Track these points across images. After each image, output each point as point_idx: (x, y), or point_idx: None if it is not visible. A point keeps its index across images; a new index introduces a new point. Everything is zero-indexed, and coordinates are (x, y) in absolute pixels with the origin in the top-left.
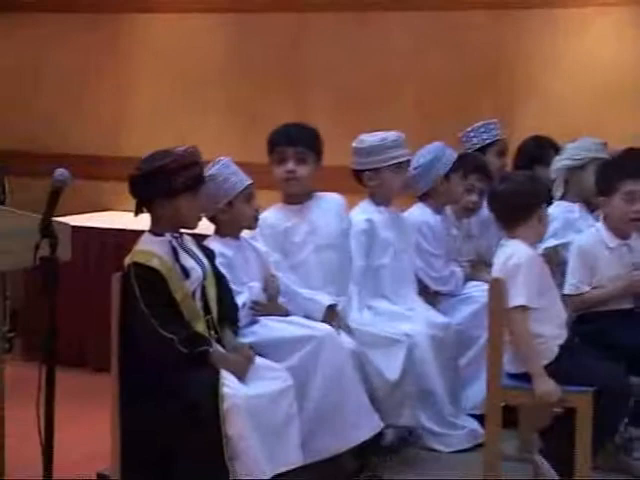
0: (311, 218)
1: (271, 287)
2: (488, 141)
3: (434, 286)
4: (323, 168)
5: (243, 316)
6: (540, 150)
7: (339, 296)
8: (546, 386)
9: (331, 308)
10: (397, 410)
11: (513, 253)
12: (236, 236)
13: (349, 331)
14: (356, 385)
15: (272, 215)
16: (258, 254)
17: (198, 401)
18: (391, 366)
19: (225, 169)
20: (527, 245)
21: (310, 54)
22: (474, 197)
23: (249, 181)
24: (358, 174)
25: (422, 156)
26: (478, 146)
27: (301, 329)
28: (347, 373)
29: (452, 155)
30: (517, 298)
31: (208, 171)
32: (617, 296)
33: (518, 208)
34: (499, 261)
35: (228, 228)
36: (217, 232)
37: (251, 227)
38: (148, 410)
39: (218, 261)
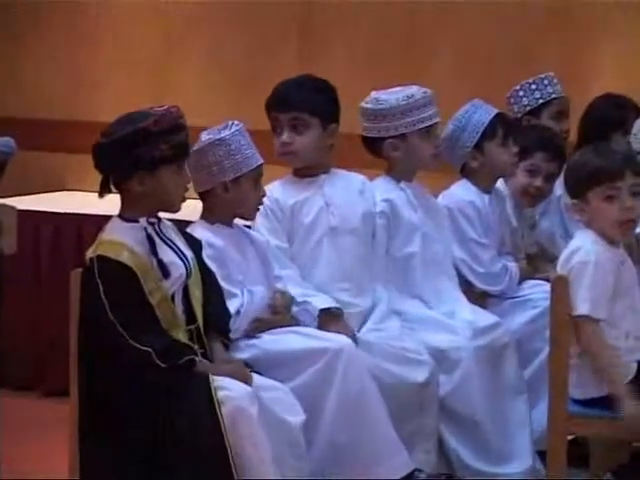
0: (326, 193)
1: (279, 305)
2: (542, 101)
3: (480, 284)
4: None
5: (236, 328)
6: (618, 112)
7: (357, 297)
8: (637, 410)
9: (329, 313)
10: (406, 449)
11: (580, 247)
12: (229, 223)
13: (355, 343)
14: (381, 412)
15: (278, 188)
16: (258, 248)
17: (188, 420)
18: None
19: (241, 137)
20: (601, 237)
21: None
22: (538, 182)
23: (261, 160)
24: (373, 143)
25: (451, 122)
26: (529, 108)
27: (311, 341)
28: (370, 397)
29: (482, 119)
30: (581, 305)
31: (219, 134)
32: None
33: (576, 187)
34: (563, 256)
35: (222, 211)
36: (204, 216)
37: (250, 217)
38: (114, 442)
39: (205, 253)
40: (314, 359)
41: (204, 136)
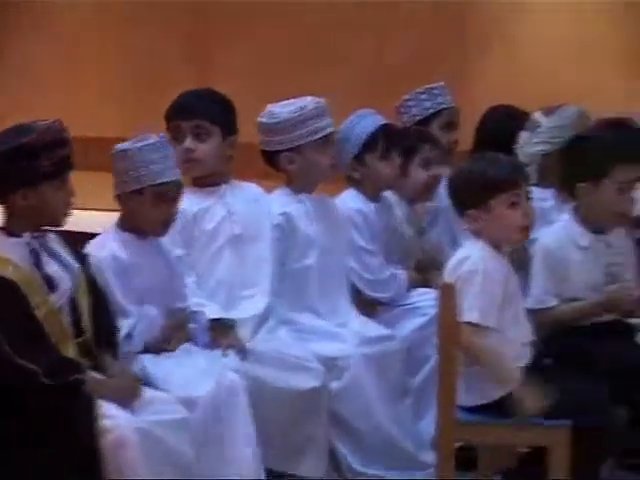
0: (229, 202)
1: (171, 325)
2: (431, 111)
3: (369, 292)
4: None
5: (129, 349)
6: (514, 123)
7: (256, 303)
8: (530, 396)
9: (221, 323)
10: (296, 456)
11: (468, 255)
12: (142, 235)
13: (243, 356)
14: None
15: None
16: (168, 262)
17: (69, 445)
18: None
19: (152, 151)
20: (490, 246)
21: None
22: (434, 170)
23: (170, 178)
24: (271, 156)
25: (339, 131)
26: (419, 118)
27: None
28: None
29: (365, 130)
30: (468, 313)
31: (127, 145)
32: (592, 314)
33: (476, 196)
34: (451, 264)
35: (135, 221)
36: (121, 224)
37: (159, 233)
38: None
39: (108, 265)
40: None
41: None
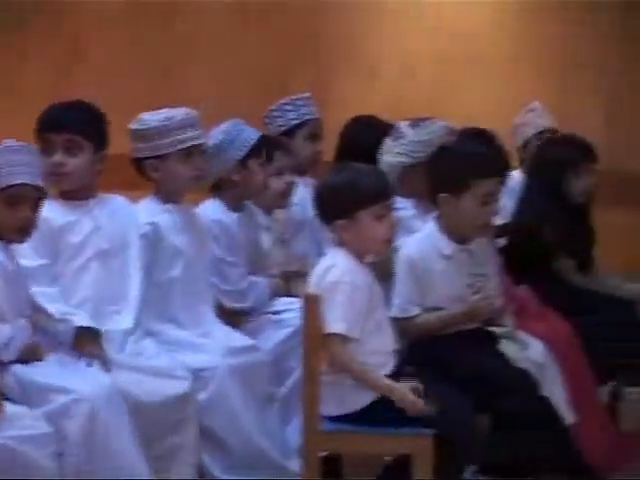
0: (96, 217)
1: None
2: (296, 122)
3: (228, 302)
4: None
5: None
6: (375, 133)
7: (122, 317)
8: (410, 398)
9: (86, 332)
10: (166, 462)
11: (332, 265)
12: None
13: (107, 368)
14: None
15: (47, 208)
16: (19, 275)
17: None
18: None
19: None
20: (355, 256)
21: None
22: (287, 178)
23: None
24: (139, 163)
25: (212, 137)
26: (284, 128)
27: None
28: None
29: (251, 136)
30: (334, 324)
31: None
32: (456, 323)
33: (344, 207)
34: (316, 274)
35: None
36: None
37: (15, 238)
38: None
39: None
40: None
41: None
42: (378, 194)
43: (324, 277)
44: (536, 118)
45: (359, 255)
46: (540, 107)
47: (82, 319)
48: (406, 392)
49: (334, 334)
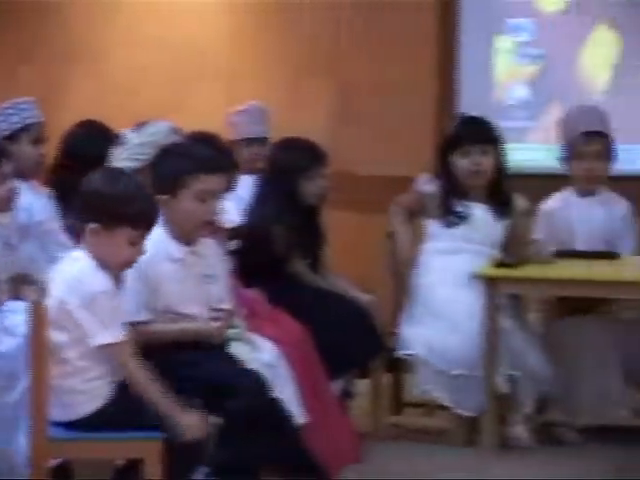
0: None
1: None
2: (19, 125)
3: None
4: None
5: None
6: (98, 138)
7: None
8: (190, 419)
9: None
10: None
11: (82, 276)
12: None
13: None
14: None
15: None
16: None
17: None
18: None
19: None
20: (96, 261)
21: None
22: (9, 184)
23: None
24: None
25: None
26: (8, 132)
27: None
28: None
29: None
30: (112, 332)
31: None
32: (185, 338)
33: (105, 217)
34: (66, 283)
35: None
36: None
37: None
38: None
39: None
40: None
41: None
42: (137, 219)
43: (77, 288)
44: (249, 122)
45: (103, 263)
46: (257, 110)
47: None
48: (190, 422)
49: (115, 344)
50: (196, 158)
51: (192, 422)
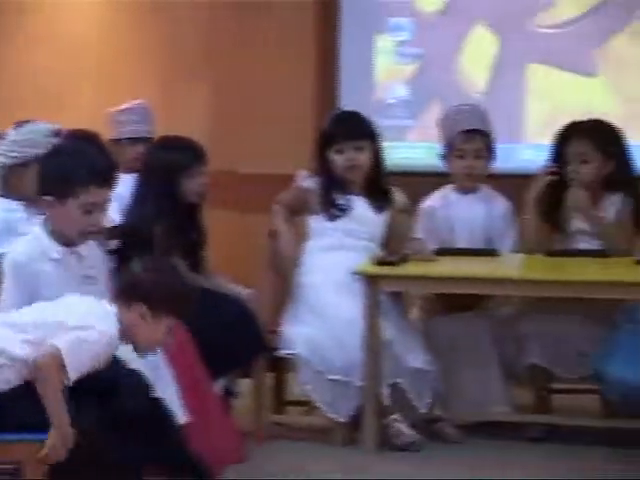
0: None
1: None
2: None
3: None
4: None
5: None
6: None
7: None
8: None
9: None
10: None
11: None
12: None
13: None
14: None
15: None
16: None
17: None
18: None
19: None
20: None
21: None
22: None
23: None
24: None
25: None
26: None
27: None
28: None
29: None
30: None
31: None
32: None
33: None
34: None
35: None
36: None
37: None
38: None
39: None
40: None
41: None
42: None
43: None
44: (134, 122)
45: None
46: (142, 109)
47: None
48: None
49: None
50: (89, 167)
51: (56, 441)
